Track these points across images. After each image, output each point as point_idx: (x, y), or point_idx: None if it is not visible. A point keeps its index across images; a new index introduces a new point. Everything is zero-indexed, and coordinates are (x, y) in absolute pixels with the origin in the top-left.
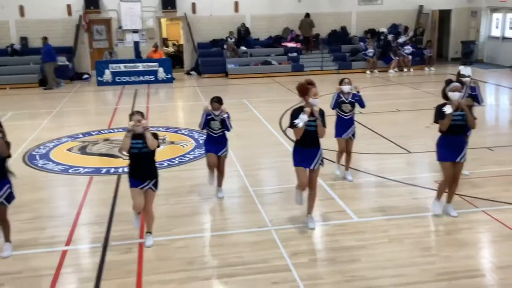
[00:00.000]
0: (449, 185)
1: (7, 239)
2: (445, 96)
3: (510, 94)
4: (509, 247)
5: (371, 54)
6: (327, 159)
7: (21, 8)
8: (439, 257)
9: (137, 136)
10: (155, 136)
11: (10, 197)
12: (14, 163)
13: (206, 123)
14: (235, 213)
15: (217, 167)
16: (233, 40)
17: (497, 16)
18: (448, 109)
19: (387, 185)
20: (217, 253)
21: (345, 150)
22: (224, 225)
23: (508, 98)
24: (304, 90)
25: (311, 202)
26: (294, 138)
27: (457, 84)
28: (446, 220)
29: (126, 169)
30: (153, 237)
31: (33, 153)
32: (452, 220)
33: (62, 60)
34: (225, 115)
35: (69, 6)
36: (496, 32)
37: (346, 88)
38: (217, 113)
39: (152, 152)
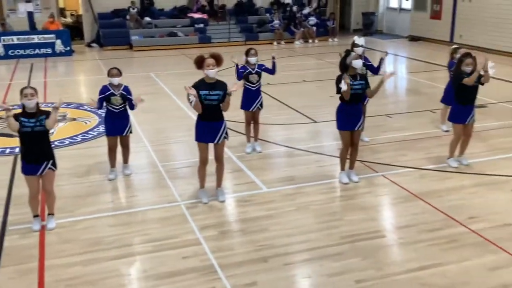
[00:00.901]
0: (348, 151)
1: None
2: (343, 67)
3: (407, 63)
4: (406, 208)
5: (277, 26)
6: (234, 130)
7: None
8: (342, 221)
9: (29, 115)
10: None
11: None
12: None
13: (105, 100)
14: (143, 189)
15: (121, 144)
16: (135, 10)
17: None
18: (343, 86)
19: (295, 155)
20: (125, 231)
21: (252, 120)
22: (132, 203)
23: (406, 67)
24: (199, 62)
25: (220, 176)
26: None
27: (355, 53)
28: (349, 186)
29: None
30: (55, 219)
31: None
32: (354, 185)
33: None
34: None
35: None
36: (394, 3)
37: (253, 59)
38: (116, 82)
39: (47, 131)
